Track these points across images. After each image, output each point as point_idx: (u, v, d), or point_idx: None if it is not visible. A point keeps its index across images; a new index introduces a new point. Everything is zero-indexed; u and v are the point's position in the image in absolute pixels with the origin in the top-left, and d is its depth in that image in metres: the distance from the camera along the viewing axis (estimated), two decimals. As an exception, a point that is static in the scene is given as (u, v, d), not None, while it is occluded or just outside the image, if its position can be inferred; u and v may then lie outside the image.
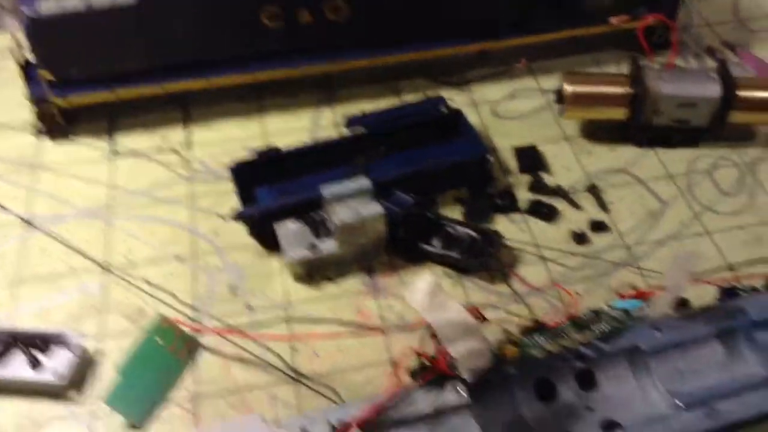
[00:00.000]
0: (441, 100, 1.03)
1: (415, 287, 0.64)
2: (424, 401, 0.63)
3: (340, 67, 1.10)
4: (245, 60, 1.08)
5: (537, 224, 0.96)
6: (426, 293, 0.64)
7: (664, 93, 0.98)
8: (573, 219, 0.97)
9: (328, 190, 0.89)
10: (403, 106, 1.06)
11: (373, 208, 0.87)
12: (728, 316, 0.74)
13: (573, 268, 0.91)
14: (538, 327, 0.75)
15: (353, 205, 0.88)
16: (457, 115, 1.03)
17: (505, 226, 0.96)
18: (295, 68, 1.09)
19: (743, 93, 0.98)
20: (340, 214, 0.86)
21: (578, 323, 0.75)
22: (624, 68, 1.08)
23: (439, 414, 0.63)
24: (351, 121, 1.02)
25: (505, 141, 1.07)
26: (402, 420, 0.62)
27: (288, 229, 0.90)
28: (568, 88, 1.01)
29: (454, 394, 0.64)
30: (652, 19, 1.04)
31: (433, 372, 0.65)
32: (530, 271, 0.91)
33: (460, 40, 1.12)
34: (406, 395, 0.64)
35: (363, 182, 0.89)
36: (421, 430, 0.63)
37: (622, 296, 0.80)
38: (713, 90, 0.98)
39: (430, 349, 0.67)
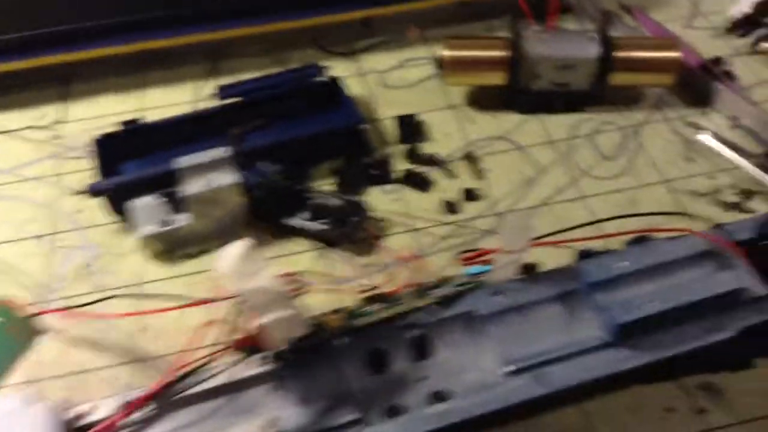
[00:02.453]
0: (316, 68, 0.99)
1: (226, 252, 0.61)
2: (225, 373, 0.60)
3: (223, 35, 1.07)
4: (125, 29, 1.04)
5: (410, 194, 0.93)
6: (236, 259, 0.60)
7: (541, 54, 0.95)
8: (447, 188, 0.93)
9: (183, 161, 0.85)
10: (278, 74, 1.01)
11: (227, 178, 0.84)
12: (571, 278, 0.71)
13: (442, 237, 0.88)
14: (378, 296, 0.72)
15: (208, 175, 0.85)
16: (333, 83, 0.99)
17: (378, 196, 0.93)
18: (177, 37, 1.05)
19: (621, 53, 0.95)
20: (190, 185, 0.83)
21: (419, 290, 0.72)
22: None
23: (239, 385, 0.60)
24: (223, 90, 0.98)
25: (390, 110, 1.04)
26: (197, 393, 0.59)
27: (143, 204, 0.87)
28: (446, 54, 0.98)
29: (256, 365, 0.60)
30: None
31: (242, 342, 0.62)
32: (398, 241, 0.88)
33: (343, 7, 1.08)
34: (204, 368, 0.60)
35: (219, 151, 0.86)
36: (218, 402, 0.59)
37: (464, 261, 0.77)
38: (591, 50, 0.94)
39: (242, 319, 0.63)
